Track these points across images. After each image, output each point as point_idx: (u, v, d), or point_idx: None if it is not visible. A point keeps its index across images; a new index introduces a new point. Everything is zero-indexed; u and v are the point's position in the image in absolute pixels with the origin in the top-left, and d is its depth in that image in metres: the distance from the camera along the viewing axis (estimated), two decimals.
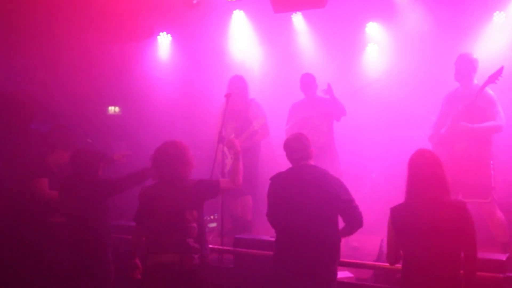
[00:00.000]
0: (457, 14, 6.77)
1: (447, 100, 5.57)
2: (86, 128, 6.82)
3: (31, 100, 7.39)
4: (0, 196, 5.73)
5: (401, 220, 3.46)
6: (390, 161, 7.06)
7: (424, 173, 3.42)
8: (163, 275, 3.85)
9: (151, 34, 8.04)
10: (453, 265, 3.31)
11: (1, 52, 6.99)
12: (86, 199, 4.40)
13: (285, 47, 8.01)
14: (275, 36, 8.01)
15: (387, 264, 4.65)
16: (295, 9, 7.48)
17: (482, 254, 4.30)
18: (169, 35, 8.46)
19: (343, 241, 6.04)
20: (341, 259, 4.98)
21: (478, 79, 5.25)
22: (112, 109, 8.41)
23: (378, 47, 7.79)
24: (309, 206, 3.73)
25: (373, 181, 7.44)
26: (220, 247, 5.45)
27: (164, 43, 8.49)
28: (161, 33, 8.41)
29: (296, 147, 3.91)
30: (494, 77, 5.02)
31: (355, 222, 3.84)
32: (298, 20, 7.93)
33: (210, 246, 5.47)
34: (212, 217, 6.97)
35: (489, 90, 5.20)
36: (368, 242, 6.00)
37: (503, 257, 4.30)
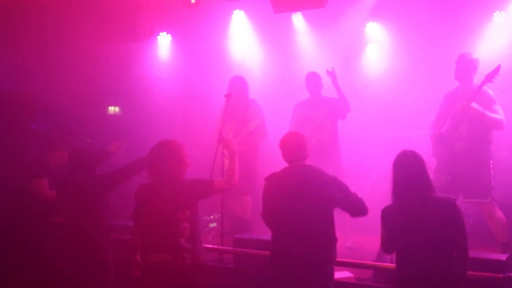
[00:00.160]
0: (457, 14, 6.77)
1: (447, 100, 5.56)
2: (86, 128, 6.81)
3: (31, 100, 7.40)
4: (0, 196, 5.73)
5: (391, 221, 3.48)
6: (390, 161, 7.05)
7: (407, 173, 3.44)
8: (156, 274, 3.85)
9: (151, 34, 8.04)
10: (445, 263, 3.31)
11: (1, 51, 6.99)
12: (85, 198, 4.40)
13: (285, 47, 8.01)
14: (275, 36, 8.01)
15: (387, 264, 4.71)
16: (295, 9, 7.48)
17: (482, 254, 4.32)
18: (169, 35, 8.47)
19: (340, 241, 6.09)
20: (341, 259, 5.02)
21: (478, 79, 5.25)
22: (112, 109, 8.42)
23: (378, 47, 7.79)
24: (304, 206, 3.72)
25: (373, 181, 7.43)
26: (220, 247, 5.45)
27: (164, 43, 8.50)
28: (161, 33, 8.41)
29: (292, 147, 3.90)
30: (491, 76, 5.02)
31: (358, 213, 3.86)
32: (298, 20, 7.94)
33: (210, 246, 5.51)
34: (212, 217, 6.98)
35: (488, 90, 5.20)
36: (368, 242, 6.00)
37: (503, 257, 4.31)
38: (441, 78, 6.26)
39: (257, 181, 6.20)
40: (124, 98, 8.25)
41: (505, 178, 5.74)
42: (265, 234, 5.14)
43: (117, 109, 8.43)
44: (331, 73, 6.02)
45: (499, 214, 5.22)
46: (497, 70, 5.00)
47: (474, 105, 5.07)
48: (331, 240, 3.81)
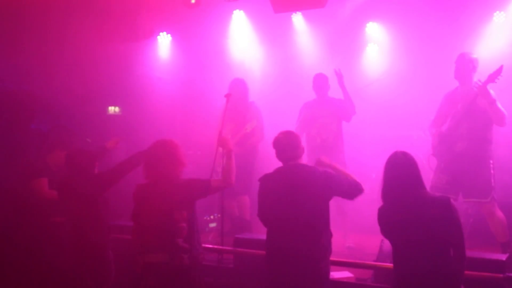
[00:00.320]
0: (457, 14, 6.77)
1: (447, 100, 5.56)
2: (86, 128, 6.82)
3: (31, 100, 7.39)
4: (0, 196, 5.73)
5: (386, 220, 3.50)
6: None
7: (398, 172, 3.45)
8: (154, 275, 3.86)
9: (151, 34, 8.04)
10: (442, 262, 3.31)
11: (2, 51, 6.99)
12: (85, 197, 4.40)
13: (285, 47, 8.01)
14: (275, 36, 8.01)
15: (387, 264, 4.71)
16: (295, 9, 7.49)
17: (482, 254, 4.33)
18: (169, 35, 8.47)
19: (339, 241, 6.11)
20: (341, 259, 5.03)
21: (477, 79, 5.25)
22: (112, 109, 8.41)
23: (378, 47, 7.79)
24: (298, 204, 3.73)
25: (373, 180, 7.43)
26: (220, 247, 5.45)
27: (164, 43, 8.50)
28: (161, 33, 8.41)
29: (285, 146, 3.90)
30: (493, 77, 5.02)
31: (354, 195, 3.91)
32: (298, 20, 7.94)
33: (210, 246, 5.51)
34: (212, 217, 6.98)
35: (490, 89, 5.19)
36: (368, 242, 6.00)
37: (503, 257, 4.31)
38: (441, 78, 6.26)
39: (254, 181, 6.21)
40: (124, 98, 8.24)
41: (505, 178, 5.74)
42: (265, 234, 5.15)
43: (117, 109, 8.43)
44: (338, 74, 6.04)
45: (499, 214, 5.22)
46: (499, 70, 5.00)
47: (490, 89, 5.04)
48: (326, 235, 3.80)
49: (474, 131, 5.24)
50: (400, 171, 3.45)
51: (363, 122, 7.11)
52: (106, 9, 7.26)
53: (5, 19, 6.79)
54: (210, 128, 6.72)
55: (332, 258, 5.00)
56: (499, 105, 5.09)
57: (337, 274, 5.02)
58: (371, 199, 7.02)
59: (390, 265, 4.65)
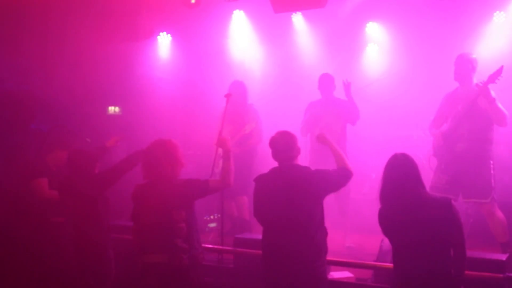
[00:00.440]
0: (457, 14, 6.77)
1: (447, 100, 5.56)
2: (86, 128, 6.82)
3: (31, 100, 7.40)
4: (0, 196, 5.73)
5: (386, 221, 3.50)
6: None
7: (398, 173, 3.46)
8: (153, 275, 3.86)
9: (151, 34, 8.04)
10: (442, 263, 3.31)
11: (2, 51, 7.00)
12: (85, 197, 4.40)
13: (285, 47, 8.02)
14: (275, 36, 8.02)
15: (387, 264, 4.70)
16: (295, 9, 7.49)
17: (482, 254, 4.33)
18: (169, 35, 8.47)
19: (339, 241, 6.11)
20: (341, 259, 5.03)
21: (477, 79, 5.25)
22: (112, 109, 8.42)
23: (378, 47, 7.79)
24: (292, 205, 3.73)
25: (373, 180, 7.43)
26: (220, 247, 5.45)
27: (164, 43, 8.50)
28: (161, 33, 8.41)
29: (281, 146, 3.89)
30: (494, 77, 5.02)
31: (344, 182, 3.98)
32: (298, 20, 7.94)
33: (210, 246, 5.50)
34: (212, 217, 6.98)
35: (490, 90, 5.19)
36: (368, 242, 6.00)
37: (503, 257, 4.31)
38: (441, 78, 6.26)
39: (253, 182, 6.22)
40: (124, 98, 8.24)
41: (505, 178, 5.75)
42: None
43: (117, 109, 8.43)
44: (346, 85, 6.04)
45: (499, 214, 5.22)
46: (500, 71, 5.00)
47: (491, 89, 5.04)
48: (321, 234, 3.80)
49: (475, 131, 5.24)
50: (400, 173, 3.45)
51: (363, 122, 7.09)
52: (106, 9, 7.26)
53: (5, 19, 6.79)
54: (210, 128, 6.72)
55: (332, 258, 5.02)
56: (499, 105, 5.09)
57: (337, 274, 5.02)
58: (371, 199, 7.02)
59: (390, 265, 4.65)
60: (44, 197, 4.94)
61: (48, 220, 4.95)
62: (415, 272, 3.32)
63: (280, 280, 3.73)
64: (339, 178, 3.93)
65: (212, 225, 6.90)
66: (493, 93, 5.10)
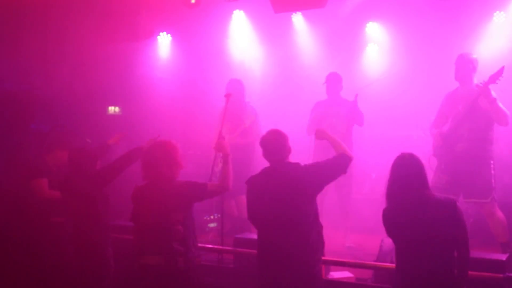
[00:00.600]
0: (457, 14, 6.77)
1: (447, 100, 5.56)
2: (86, 128, 6.82)
3: (31, 100, 7.40)
4: (0, 196, 5.73)
5: (391, 221, 3.49)
6: (391, 161, 7.05)
7: (405, 173, 3.45)
8: (149, 276, 3.86)
9: (151, 34, 8.04)
10: (446, 263, 3.31)
11: (2, 51, 7.00)
12: (85, 195, 4.40)
13: (285, 47, 8.01)
14: (275, 36, 8.01)
15: (387, 264, 4.70)
16: (295, 9, 7.48)
17: (482, 254, 4.32)
18: (169, 35, 8.47)
19: (339, 241, 6.11)
20: (341, 259, 5.03)
21: (478, 79, 5.25)
22: (112, 109, 8.42)
23: (378, 47, 7.79)
24: (286, 203, 3.72)
25: (373, 181, 7.44)
26: (220, 247, 5.45)
27: (164, 43, 8.50)
28: (161, 33, 8.41)
29: (271, 145, 3.87)
30: (494, 78, 5.02)
31: (345, 169, 3.90)
32: (298, 20, 7.94)
33: (210, 246, 5.50)
34: (212, 217, 6.98)
35: (492, 92, 5.18)
36: (368, 242, 6.00)
37: (503, 257, 4.31)
38: (441, 78, 6.26)
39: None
40: (124, 98, 8.24)
41: (505, 178, 5.74)
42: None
43: (117, 109, 8.43)
44: (354, 100, 6.05)
45: (499, 214, 5.22)
46: (500, 71, 5.00)
47: (491, 89, 5.04)
48: (317, 228, 3.78)
49: (475, 131, 5.24)
50: (407, 173, 3.44)
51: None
52: (106, 9, 7.26)
53: (5, 19, 6.79)
54: (210, 128, 6.73)
55: (332, 258, 5.03)
56: (500, 104, 5.09)
57: (337, 274, 5.03)
58: (371, 199, 7.04)
59: (390, 265, 4.66)
60: (44, 197, 4.94)
61: (48, 220, 4.95)
62: (418, 272, 3.32)
63: (276, 280, 3.72)
64: (337, 165, 3.87)
65: (212, 225, 6.90)
66: (493, 93, 5.10)
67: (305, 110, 6.51)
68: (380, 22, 7.60)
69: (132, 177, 4.60)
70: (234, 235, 5.36)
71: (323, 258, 4.85)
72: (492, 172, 5.24)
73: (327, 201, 6.27)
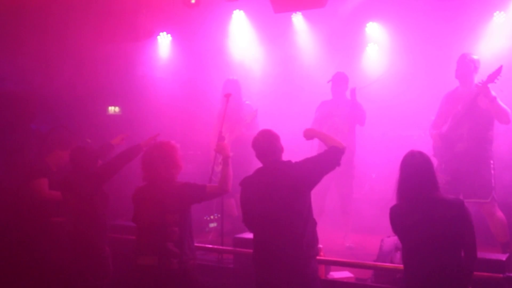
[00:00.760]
0: (457, 14, 6.77)
1: (447, 100, 5.57)
2: (86, 128, 6.81)
3: (31, 100, 7.39)
4: (0, 196, 5.73)
5: (398, 219, 3.48)
6: (390, 161, 7.06)
7: (414, 173, 3.44)
8: (144, 277, 3.86)
9: (151, 34, 8.04)
10: (453, 264, 3.31)
11: (2, 52, 7.00)
12: (84, 194, 4.40)
13: (285, 47, 8.01)
14: (275, 36, 8.02)
15: (387, 264, 4.70)
16: (295, 9, 7.48)
17: (482, 254, 4.30)
18: (169, 35, 8.47)
19: (340, 241, 6.11)
20: (341, 259, 5.03)
21: (478, 80, 5.25)
22: (112, 109, 8.41)
23: (378, 47, 7.79)
24: (279, 203, 3.71)
25: (373, 180, 7.44)
26: (220, 247, 5.45)
27: (164, 43, 8.50)
28: (161, 33, 8.41)
29: (262, 146, 3.88)
30: (493, 77, 5.02)
31: (339, 160, 3.85)
32: (298, 20, 7.94)
33: (210, 246, 5.51)
34: (212, 217, 6.98)
35: (491, 91, 5.19)
36: (368, 242, 6.01)
37: (503, 257, 4.30)
38: (441, 78, 6.26)
39: None
40: (124, 98, 8.24)
41: (505, 178, 5.74)
42: None
43: (117, 109, 8.43)
44: (352, 92, 6.09)
45: (499, 214, 5.22)
46: (499, 70, 5.00)
47: (490, 90, 5.04)
48: (311, 226, 3.77)
49: (475, 131, 5.24)
50: (417, 172, 3.44)
51: None
52: (106, 9, 7.25)
53: (5, 19, 6.79)
54: (209, 128, 6.73)
55: (332, 258, 5.03)
56: (501, 103, 5.09)
57: (337, 274, 5.03)
58: (371, 199, 7.05)
59: (390, 265, 4.67)
60: (44, 197, 4.94)
61: (48, 220, 4.95)
62: (425, 271, 3.32)
63: (271, 278, 3.71)
64: (328, 159, 3.85)
65: (212, 225, 6.90)
66: (493, 92, 5.10)
67: (305, 110, 6.51)
68: (380, 22, 7.60)
69: (132, 178, 4.61)
70: (234, 235, 5.37)
71: (323, 258, 4.89)
72: (492, 172, 5.25)
73: (328, 201, 6.28)
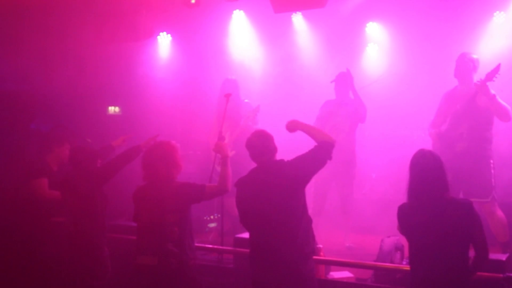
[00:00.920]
0: (457, 14, 6.77)
1: (446, 99, 5.57)
2: (86, 128, 6.81)
3: (31, 100, 7.39)
4: (0, 196, 5.73)
5: (406, 219, 3.48)
6: (390, 161, 7.07)
7: (425, 174, 3.43)
8: (143, 277, 3.87)
9: (151, 34, 8.04)
10: (461, 265, 3.32)
11: (2, 52, 6.99)
12: (84, 194, 4.40)
13: (285, 47, 8.01)
14: (275, 36, 8.02)
15: (387, 264, 4.71)
16: (295, 9, 7.48)
17: None
18: (169, 35, 8.47)
19: (340, 241, 6.11)
20: (341, 259, 5.03)
21: (477, 79, 5.25)
22: (112, 109, 8.41)
23: (378, 47, 7.79)
24: (274, 202, 3.72)
25: (373, 180, 7.44)
26: (220, 247, 5.45)
27: (164, 43, 8.50)
28: (161, 33, 8.41)
29: (256, 147, 3.89)
30: (491, 75, 5.02)
31: (330, 152, 3.86)
32: (298, 20, 7.94)
33: (210, 246, 5.51)
34: (212, 217, 6.98)
35: (490, 89, 5.19)
36: (368, 242, 6.01)
37: (503, 257, 4.30)
38: (441, 78, 6.27)
39: None
40: (124, 98, 8.24)
41: (506, 178, 5.74)
42: None
43: (117, 109, 8.43)
44: (348, 73, 6.14)
45: (500, 213, 5.22)
46: (497, 68, 5.01)
47: (488, 87, 5.04)
48: (306, 222, 3.77)
49: (474, 130, 5.24)
50: (427, 171, 3.44)
51: None
52: (106, 9, 7.25)
53: (6, 19, 6.79)
54: (209, 127, 6.73)
55: (332, 258, 5.03)
56: (500, 100, 5.09)
57: (337, 274, 5.03)
58: (371, 199, 7.05)
59: (390, 265, 4.67)
60: (44, 197, 4.94)
61: (48, 220, 4.95)
62: (432, 272, 3.31)
63: (266, 277, 3.71)
64: (319, 154, 3.85)
65: (212, 225, 6.90)
66: (492, 90, 5.10)
67: (305, 109, 6.51)
68: (380, 22, 7.60)
69: (132, 177, 4.61)
70: (234, 235, 5.37)
71: (323, 258, 4.89)
72: (492, 171, 5.25)
73: (328, 201, 6.28)
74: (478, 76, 5.29)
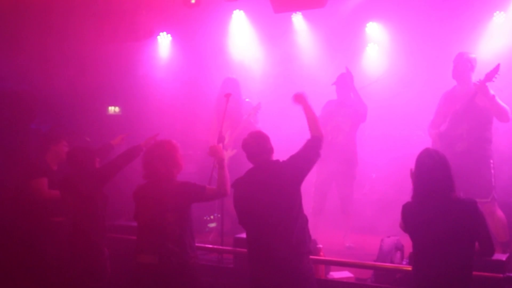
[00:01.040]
0: (457, 14, 6.77)
1: (445, 99, 5.57)
2: (86, 127, 6.82)
3: (31, 100, 7.39)
4: (0, 196, 5.73)
5: (411, 217, 3.48)
6: (390, 161, 7.07)
7: (431, 173, 3.43)
8: (144, 275, 3.87)
9: (151, 34, 8.04)
10: (465, 265, 3.33)
11: (2, 51, 6.99)
12: (83, 194, 4.40)
13: (285, 47, 8.01)
14: (275, 36, 8.02)
15: (387, 264, 4.71)
16: (295, 9, 7.48)
17: None
18: (169, 35, 8.46)
19: (340, 241, 6.11)
20: (341, 259, 5.03)
21: (476, 78, 5.25)
22: (112, 109, 8.41)
23: (378, 47, 7.79)
24: (271, 199, 3.73)
25: (373, 180, 7.44)
26: (220, 247, 5.45)
27: (164, 43, 8.49)
28: (161, 33, 8.41)
29: (252, 147, 3.90)
30: (491, 75, 5.02)
31: (319, 147, 3.89)
32: (298, 20, 7.94)
33: (210, 246, 5.50)
34: (212, 217, 6.97)
35: (490, 90, 5.19)
36: (368, 242, 6.01)
37: (503, 257, 4.31)
38: (441, 78, 6.26)
39: None
40: (124, 98, 8.24)
41: (506, 178, 5.74)
42: None
43: (117, 109, 8.43)
44: (348, 72, 6.17)
45: (500, 213, 5.22)
46: (496, 69, 5.01)
47: (487, 86, 5.04)
48: (300, 221, 3.77)
49: (474, 130, 5.24)
50: (434, 172, 3.43)
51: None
52: (106, 9, 7.25)
53: (6, 19, 6.79)
54: (209, 127, 6.73)
55: (332, 258, 5.03)
56: (499, 101, 5.09)
57: (337, 274, 5.03)
58: (371, 199, 7.05)
59: (390, 265, 4.68)
60: (44, 197, 4.94)
61: (48, 220, 4.95)
62: (436, 270, 3.32)
63: (263, 276, 3.71)
64: (311, 152, 3.88)
65: (212, 225, 6.90)
66: (491, 90, 5.10)
67: (322, 108, 6.49)
68: (380, 22, 7.60)
69: (132, 177, 4.61)
70: (234, 235, 5.37)
71: (323, 258, 4.89)
72: (492, 171, 5.25)
73: (328, 201, 6.28)
74: (476, 75, 5.30)
